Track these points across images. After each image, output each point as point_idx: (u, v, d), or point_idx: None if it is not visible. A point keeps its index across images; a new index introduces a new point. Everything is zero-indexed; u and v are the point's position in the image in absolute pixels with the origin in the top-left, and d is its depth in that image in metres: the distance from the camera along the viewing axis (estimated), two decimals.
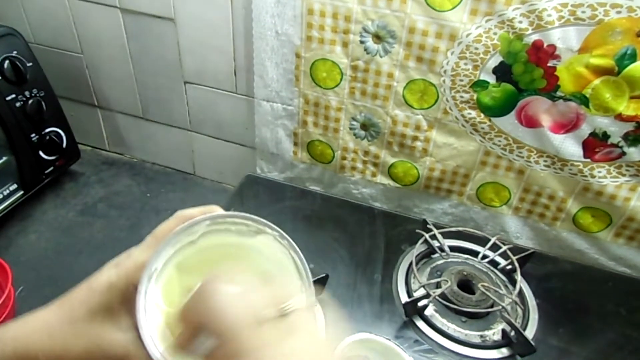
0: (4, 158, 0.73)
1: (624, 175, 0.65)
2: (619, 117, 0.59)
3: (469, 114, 0.67)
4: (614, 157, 0.63)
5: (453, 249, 0.74)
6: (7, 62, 0.69)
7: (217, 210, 0.33)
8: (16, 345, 0.30)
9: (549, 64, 0.59)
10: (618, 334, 0.65)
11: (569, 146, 0.64)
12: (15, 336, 0.30)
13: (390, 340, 0.56)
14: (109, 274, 0.31)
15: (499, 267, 0.71)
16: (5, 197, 0.74)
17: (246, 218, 0.33)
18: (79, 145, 0.86)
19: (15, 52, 0.71)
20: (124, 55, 0.81)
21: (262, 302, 0.28)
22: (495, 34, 0.59)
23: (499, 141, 0.68)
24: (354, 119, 0.74)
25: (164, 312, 0.32)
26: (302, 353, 0.27)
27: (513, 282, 0.68)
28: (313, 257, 0.65)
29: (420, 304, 0.64)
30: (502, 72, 0.62)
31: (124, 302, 0.30)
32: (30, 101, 0.73)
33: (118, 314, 0.30)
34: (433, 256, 0.74)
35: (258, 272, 0.32)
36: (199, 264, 0.33)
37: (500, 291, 0.66)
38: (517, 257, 0.69)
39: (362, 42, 0.66)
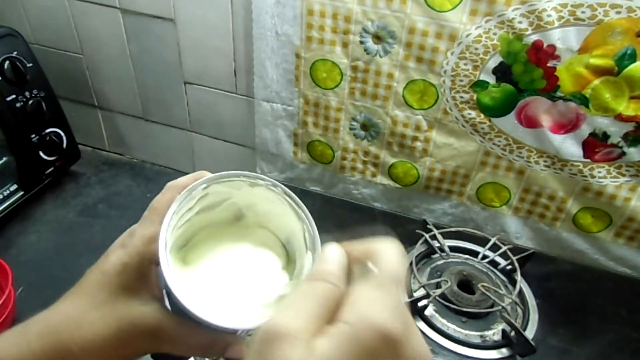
0: (4, 158, 0.73)
1: (624, 175, 0.65)
2: (619, 118, 0.59)
3: (469, 114, 0.67)
4: (613, 157, 0.63)
5: (453, 249, 0.74)
6: (7, 62, 0.69)
7: (207, 174, 0.34)
8: (43, 342, 0.30)
9: (548, 64, 0.59)
10: (618, 335, 0.65)
11: (569, 146, 0.64)
12: (39, 333, 0.30)
13: None
14: (119, 255, 0.31)
15: (499, 267, 0.71)
16: (6, 198, 0.74)
17: (238, 175, 0.34)
18: (79, 146, 0.86)
19: (15, 52, 0.71)
20: (124, 56, 0.81)
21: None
22: (495, 34, 0.59)
23: (499, 141, 0.68)
24: (354, 119, 0.74)
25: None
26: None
27: (513, 283, 0.68)
28: None
29: (420, 304, 0.64)
30: (502, 72, 0.62)
31: (140, 278, 0.31)
32: (30, 102, 0.73)
33: (139, 290, 0.31)
34: (433, 256, 0.74)
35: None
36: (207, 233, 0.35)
37: (500, 291, 0.66)
38: (517, 257, 0.69)
39: (362, 42, 0.66)
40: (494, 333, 0.63)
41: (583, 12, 0.54)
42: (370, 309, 0.22)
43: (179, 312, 0.31)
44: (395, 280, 0.25)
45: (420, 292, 0.66)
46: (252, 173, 0.34)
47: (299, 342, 0.21)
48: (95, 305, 0.30)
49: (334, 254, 0.27)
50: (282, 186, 0.34)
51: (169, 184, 0.34)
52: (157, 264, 0.30)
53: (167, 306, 0.32)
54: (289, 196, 0.34)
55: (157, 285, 0.32)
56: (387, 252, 0.26)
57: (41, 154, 0.77)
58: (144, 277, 0.31)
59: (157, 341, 0.31)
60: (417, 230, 0.74)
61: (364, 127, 0.75)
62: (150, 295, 0.31)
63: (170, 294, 0.30)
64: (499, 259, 0.72)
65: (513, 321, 0.60)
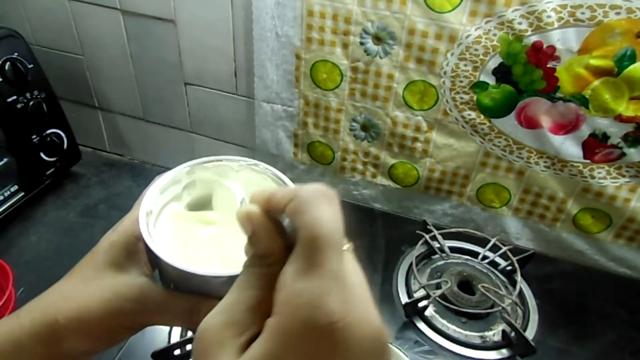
0: (5, 159, 0.73)
1: (623, 176, 0.65)
2: (619, 118, 0.59)
3: (469, 115, 0.67)
4: (613, 158, 0.63)
5: (453, 249, 0.74)
6: (8, 63, 0.69)
7: None
8: (33, 316, 0.31)
9: (548, 65, 0.59)
10: (618, 335, 0.65)
11: (569, 147, 0.64)
12: (30, 309, 0.32)
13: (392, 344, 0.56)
14: (108, 236, 0.33)
15: (499, 268, 0.71)
16: (6, 199, 0.74)
17: (220, 159, 0.36)
18: (80, 147, 0.86)
19: (16, 53, 0.71)
20: (125, 57, 0.81)
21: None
22: (494, 35, 0.59)
23: (499, 142, 0.68)
24: (354, 120, 0.75)
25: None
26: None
27: (513, 283, 0.68)
28: None
29: (421, 304, 0.64)
30: (502, 73, 0.62)
31: (128, 255, 0.32)
32: (31, 103, 0.73)
33: (125, 266, 0.32)
34: (433, 257, 0.74)
35: None
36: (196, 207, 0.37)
37: (501, 292, 0.66)
38: (517, 258, 0.69)
39: (362, 43, 0.66)
40: (494, 334, 0.63)
41: (583, 13, 0.54)
42: (294, 296, 0.20)
43: (166, 281, 0.32)
44: (324, 244, 0.21)
45: (421, 293, 0.66)
46: (233, 156, 0.35)
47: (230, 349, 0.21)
48: (83, 282, 0.32)
49: (259, 230, 0.23)
50: (263, 164, 0.36)
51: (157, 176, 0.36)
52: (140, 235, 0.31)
53: (156, 281, 0.33)
54: (269, 170, 0.35)
55: (145, 263, 0.33)
56: (312, 208, 0.21)
57: (42, 154, 0.77)
58: (131, 253, 0.32)
59: (142, 310, 0.31)
60: (417, 231, 0.74)
61: (364, 128, 0.75)
62: (138, 272, 0.32)
63: (148, 251, 0.31)
64: (499, 260, 0.72)
65: (513, 322, 0.61)
